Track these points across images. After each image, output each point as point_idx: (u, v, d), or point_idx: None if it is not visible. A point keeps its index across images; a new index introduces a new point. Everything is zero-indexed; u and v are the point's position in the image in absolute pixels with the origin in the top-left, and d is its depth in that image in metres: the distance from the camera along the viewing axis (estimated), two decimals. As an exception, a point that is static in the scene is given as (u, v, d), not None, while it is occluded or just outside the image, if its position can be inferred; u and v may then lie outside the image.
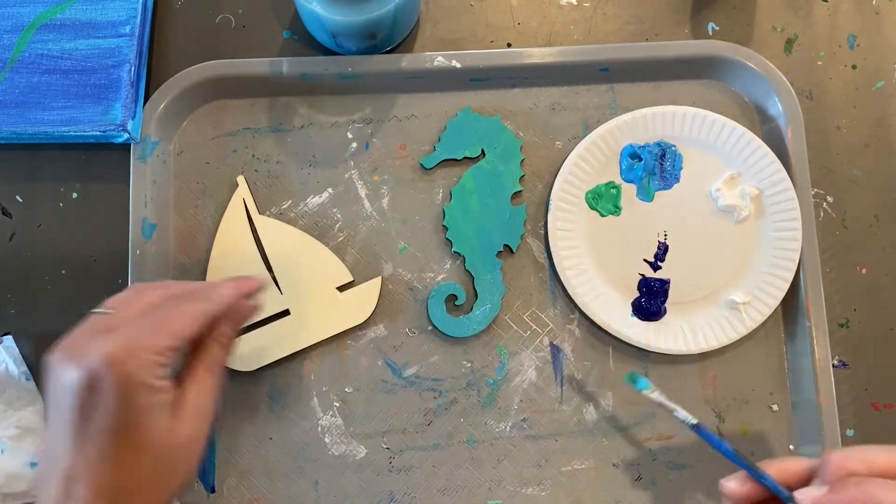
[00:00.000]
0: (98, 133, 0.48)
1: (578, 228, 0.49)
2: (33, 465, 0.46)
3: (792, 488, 0.34)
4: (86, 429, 0.32)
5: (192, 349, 0.37)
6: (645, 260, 0.49)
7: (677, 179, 0.50)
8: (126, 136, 0.48)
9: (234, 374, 0.47)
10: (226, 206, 0.49)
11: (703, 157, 0.50)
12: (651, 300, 0.48)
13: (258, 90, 0.51)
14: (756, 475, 0.35)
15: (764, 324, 0.48)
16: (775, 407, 0.49)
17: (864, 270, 0.50)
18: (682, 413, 0.42)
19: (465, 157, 0.50)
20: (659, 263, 0.49)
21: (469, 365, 0.48)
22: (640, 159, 0.50)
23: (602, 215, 0.50)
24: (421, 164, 0.50)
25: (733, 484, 0.36)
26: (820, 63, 0.53)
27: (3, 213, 0.50)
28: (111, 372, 0.32)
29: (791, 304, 0.49)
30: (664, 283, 0.49)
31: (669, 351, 0.48)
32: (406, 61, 0.50)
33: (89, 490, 0.32)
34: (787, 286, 0.48)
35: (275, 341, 0.47)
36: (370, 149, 0.51)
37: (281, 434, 0.47)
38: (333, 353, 0.48)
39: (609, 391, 0.48)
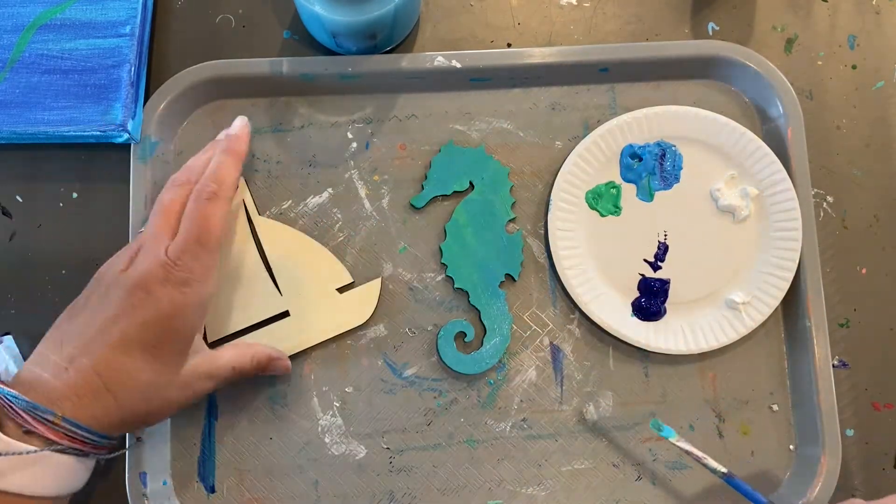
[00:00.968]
0: (98, 133, 0.48)
1: (578, 228, 0.49)
2: (33, 465, 0.46)
3: None
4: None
5: None
6: (645, 260, 0.49)
7: (677, 179, 0.50)
8: (126, 136, 0.48)
9: (234, 374, 0.47)
10: (226, 206, 0.50)
11: (703, 157, 0.50)
12: (651, 300, 0.48)
13: (258, 90, 0.51)
14: None
15: (764, 324, 0.48)
16: (775, 407, 0.49)
17: (864, 270, 0.50)
18: (711, 462, 0.43)
19: (455, 192, 0.50)
20: (659, 263, 0.49)
21: (469, 365, 0.48)
22: (640, 159, 0.50)
23: (602, 215, 0.50)
24: (411, 205, 0.50)
25: None
26: (820, 63, 0.53)
27: (3, 213, 0.50)
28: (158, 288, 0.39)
29: (791, 304, 0.49)
30: (664, 283, 0.49)
31: (669, 351, 0.48)
32: (406, 61, 0.50)
33: (90, 360, 0.37)
34: (787, 286, 0.48)
35: (274, 342, 0.47)
36: (370, 149, 0.51)
37: (281, 434, 0.47)
38: (333, 353, 0.48)
39: (609, 391, 0.48)
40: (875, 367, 0.49)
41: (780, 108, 0.50)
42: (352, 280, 0.48)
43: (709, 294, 0.49)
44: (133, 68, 0.49)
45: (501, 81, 0.51)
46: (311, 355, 0.48)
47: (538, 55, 0.50)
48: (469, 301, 0.48)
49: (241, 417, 0.47)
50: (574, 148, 0.49)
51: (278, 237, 0.48)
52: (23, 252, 0.49)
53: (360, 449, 0.47)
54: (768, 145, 0.49)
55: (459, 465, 0.47)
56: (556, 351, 0.49)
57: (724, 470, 0.43)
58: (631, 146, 0.50)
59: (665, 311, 0.49)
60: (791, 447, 0.48)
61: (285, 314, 0.47)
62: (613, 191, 0.50)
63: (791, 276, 0.48)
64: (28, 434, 0.35)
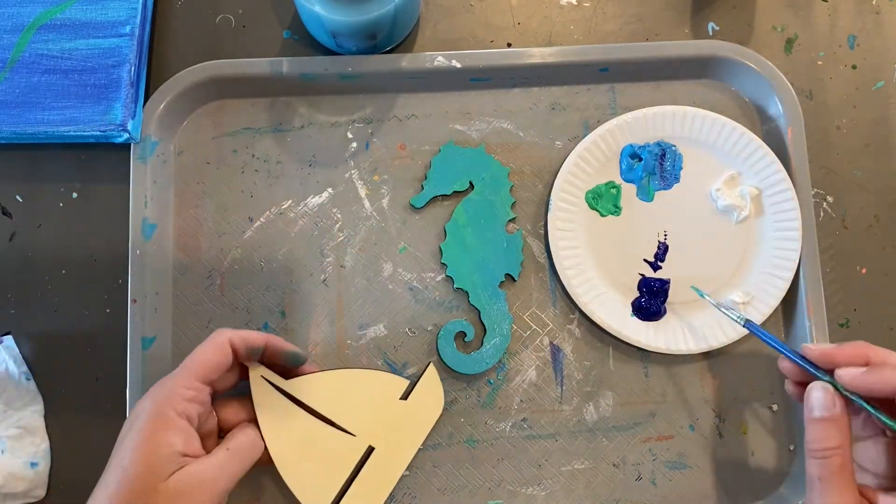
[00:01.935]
0: (98, 133, 0.48)
1: (578, 228, 0.49)
2: (33, 465, 0.46)
3: (829, 371, 0.38)
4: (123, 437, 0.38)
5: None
6: (645, 260, 0.49)
7: (677, 179, 0.50)
8: (126, 136, 0.48)
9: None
10: (226, 206, 0.50)
11: (703, 157, 0.50)
12: (651, 300, 0.48)
13: (258, 90, 0.51)
14: (801, 363, 0.39)
15: (764, 324, 0.48)
16: (775, 407, 0.49)
17: (864, 270, 0.50)
18: (732, 314, 0.44)
19: (455, 192, 0.49)
20: (659, 263, 0.49)
21: (469, 365, 0.48)
22: (640, 159, 0.50)
23: (602, 215, 0.50)
24: (411, 205, 0.50)
25: (786, 363, 0.40)
26: (820, 63, 0.53)
27: (3, 213, 0.50)
28: (147, 399, 0.39)
29: (791, 304, 0.49)
30: (664, 283, 0.49)
31: (669, 351, 0.48)
32: (406, 61, 0.50)
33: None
34: (786, 286, 0.48)
35: (377, 480, 0.45)
36: (370, 149, 0.51)
37: (281, 434, 0.47)
38: (334, 354, 0.48)
39: (609, 391, 0.48)
40: (875, 367, 0.49)
41: (780, 107, 0.50)
42: (407, 381, 0.46)
43: (709, 294, 0.49)
44: (133, 68, 0.49)
45: (501, 81, 0.51)
46: (312, 356, 0.48)
47: (538, 55, 0.50)
48: (469, 301, 0.48)
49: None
50: (574, 148, 0.49)
51: (315, 387, 0.44)
52: (23, 252, 0.49)
53: (360, 449, 0.47)
54: (768, 145, 0.49)
55: (459, 465, 0.47)
56: (556, 351, 0.49)
57: (745, 317, 0.44)
58: (631, 146, 0.50)
59: (665, 311, 0.49)
60: (791, 447, 0.48)
61: (370, 451, 0.45)
62: (613, 191, 0.50)
63: (791, 276, 0.48)
64: None
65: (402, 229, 0.50)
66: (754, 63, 0.50)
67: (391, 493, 0.46)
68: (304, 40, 0.52)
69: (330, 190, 0.50)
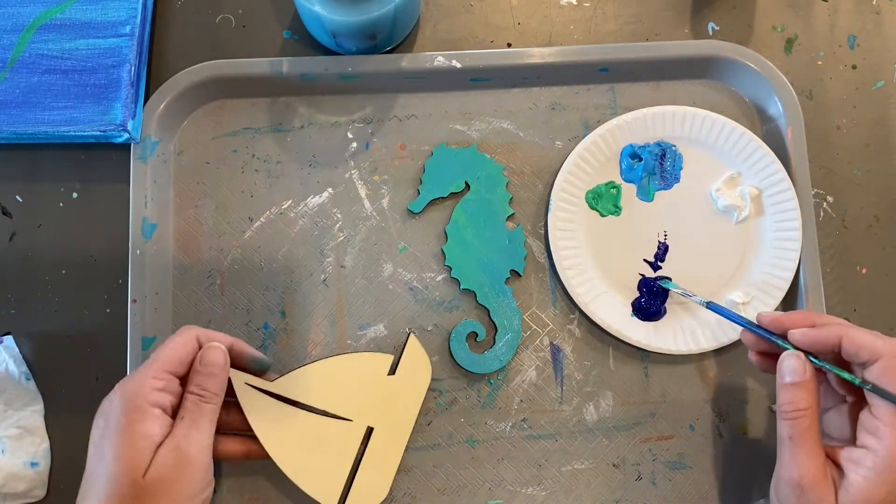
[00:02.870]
0: (98, 133, 0.48)
1: (578, 228, 0.49)
2: (34, 464, 0.46)
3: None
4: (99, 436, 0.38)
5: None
6: (645, 260, 0.49)
7: (677, 179, 0.50)
8: (126, 136, 0.48)
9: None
10: (226, 206, 0.50)
11: (703, 157, 0.50)
12: (651, 300, 0.48)
13: (258, 90, 0.51)
14: (757, 332, 0.42)
15: (764, 324, 0.48)
16: (775, 407, 0.48)
17: (864, 270, 0.50)
18: (696, 297, 0.46)
19: (451, 193, 0.50)
20: (659, 263, 0.49)
21: (469, 365, 0.48)
22: (641, 159, 0.50)
23: (602, 215, 0.50)
24: (409, 210, 0.50)
25: (747, 334, 0.43)
26: (820, 63, 0.53)
27: (3, 213, 0.50)
28: (116, 396, 0.39)
29: (791, 305, 0.49)
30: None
31: (669, 351, 0.48)
32: (406, 61, 0.50)
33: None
34: (787, 286, 0.48)
35: (385, 458, 0.45)
36: (370, 149, 0.51)
37: (281, 434, 0.47)
38: (334, 354, 0.48)
39: (609, 391, 0.48)
40: (875, 367, 0.49)
41: (780, 107, 0.50)
42: (391, 356, 0.46)
43: (709, 294, 0.49)
44: (133, 68, 0.49)
45: (501, 81, 0.51)
46: (312, 356, 0.48)
47: (538, 55, 0.50)
48: (477, 300, 0.48)
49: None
50: (574, 148, 0.49)
51: (301, 383, 0.44)
52: (23, 252, 0.49)
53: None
54: (768, 145, 0.49)
55: (459, 465, 0.47)
56: (556, 351, 0.49)
57: (705, 300, 0.46)
58: (631, 146, 0.50)
59: (665, 312, 0.49)
60: (791, 447, 0.48)
61: (370, 432, 0.45)
62: (613, 191, 0.50)
63: (791, 276, 0.48)
64: None
65: (402, 229, 0.50)
66: (754, 63, 0.50)
67: (390, 493, 0.46)
68: (304, 40, 0.52)
69: (330, 190, 0.50)
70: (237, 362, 0.43)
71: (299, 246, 0.49)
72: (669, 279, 0.48)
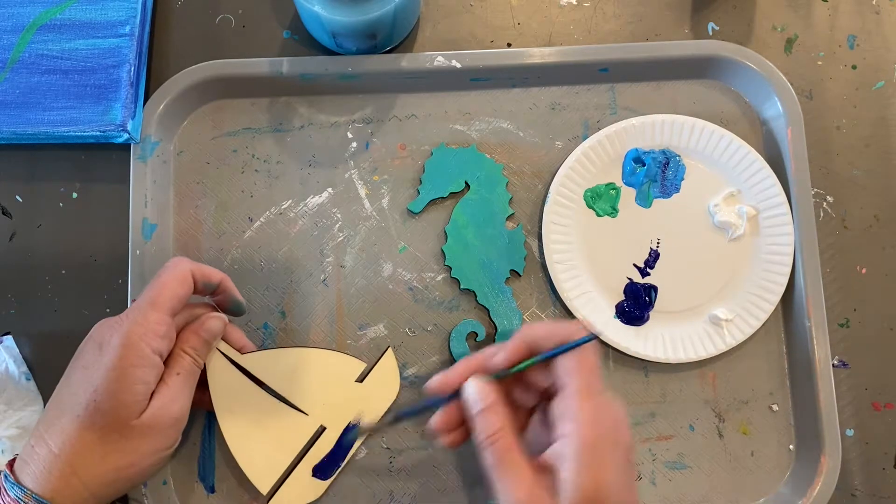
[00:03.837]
0: (98, 133, 0.48)
1: (573, 225, 0.49)
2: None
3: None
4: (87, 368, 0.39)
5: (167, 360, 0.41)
6: (635, 265, 0.49)
7: (677, 190, 0.50)
8: (126, 136, 0.48)
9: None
10: (226, 206, 0.50)
11: (706, 171, 0.50)
12: (635, 305, 0.48)
13: (258, 90, 0.51)
14: (432, 404, 0.40)
15: (764, 324, 0.48)
16: (775, 407, 0.48)
17: (864, 270, 0.50)
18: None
19: (451, 193, 0.50)
20: (648, 270, 0.49)
21: (469, 365, 0.48)
22: (644, 164, 0.50)
23: (598, 215, 0.50)
24: (409, 210, 0.50)
25: (437, 422, 0.39)
26: (820, 63, 0.53)
27: (3, 213, 0.50)
28: (116, 330, 0.39)
29: (791, 305, 0.49)
30: (650, 290, 0.49)
31: (647, 357, 0.47)
32: (406, 61, 0.50)
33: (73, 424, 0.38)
34: (771, 308, 0.48)
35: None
36: (370, 149, 0.51)
37: (281, 434, 0.47)
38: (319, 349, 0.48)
39: (609, 391, 0.48)
40: (875, 367, 0.49)
41: (780, 108, 0.50)
42: (364, 364, 0.47)
43: (693, 307, 0.49)
44: (133, 68, 0.49)
45: (501, 81, 0.51)
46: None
47: (538, 55, 0.50)
48: (477, 300, 0.48)
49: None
50: (576, 147, 0.49)
51: (271, 364, 0.45)
52: (23, 252, 0.49)
53: (361, 449, 0.47)
54: (768, 145, 0.49)
55: (459, 465, 0.47)
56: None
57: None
58: (636, 150, 0.50)
59: (648, 318, 0.48)
60: (791, 447, 0.48)
61: (322, 430, 0.45)
62: (613, 192, 0.50)
63: (777, 299, 0.48)
64: None
65: (402, 229, 0.50)
66: (754, 63, 0.50)
67: (390, 493, 0.46)
68: (304, 40, 0.52)
69: (330, 190, 0.50)
70: (221, 303, 0.45)
71: (299, 246, 0.49)
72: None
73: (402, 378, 0.48)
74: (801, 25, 0.53)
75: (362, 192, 0.50)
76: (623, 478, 0.35)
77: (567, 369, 0.36)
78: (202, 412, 0.47)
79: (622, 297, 0.49)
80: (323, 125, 0.51)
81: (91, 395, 0.38)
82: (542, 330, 0.38)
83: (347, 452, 0.46)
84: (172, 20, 0.52)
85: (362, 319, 0.49)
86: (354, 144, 0.51)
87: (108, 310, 0.49)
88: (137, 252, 0.48)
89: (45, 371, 0.48)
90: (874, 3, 0.54)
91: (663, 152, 0.50)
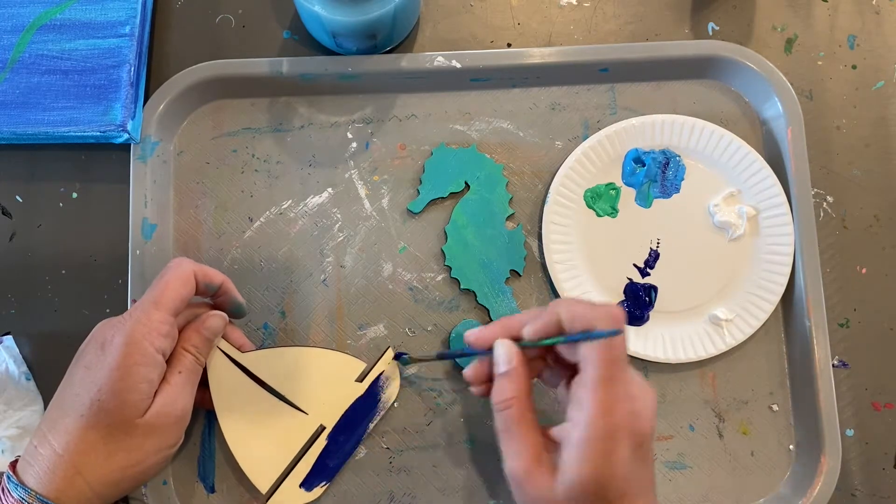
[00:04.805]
0: (98, 133, 0.48)
1: (573, 225, 0.49)
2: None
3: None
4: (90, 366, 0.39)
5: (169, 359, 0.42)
6: (635, 265, 0.49)
7: (677, 190, 0.50)
8: (126, 136, 0.48)
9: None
10: (226, 206, 0.50)
11: (706, 172, 0.50)
12: (635, 305, 0.48)
13: (258, 90, 0.51)
14: (470, 352, 0.41)
15: (764, 324, 0.48)
16: (775, 407, 0.49)
17: (864, 270, 0.50)
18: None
19: (451, 193, 0.50)
20: (648, 270, 0.49)
21: (469, 365, 0.48)
22: (644, 164, 0.50)
23: (598, 215, 0.50)
24: (409, 210, 0.50)
25: (468, 371, 0.41)
26: (820, 63, 0.53)
27: (3, 213, 0.50)
28: (119, 330, 0.39)
29: (791, 305, 0.49)
30: (650, 290, 0.49)
31: (647, 357, 0.47)
32: (406, 61, 0.50)
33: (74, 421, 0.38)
34: (771, 308, 0.48)
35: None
36: (370, 149, 0.51)
37: (281, 434, 0.47)
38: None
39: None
40: (875, 367, 0.49)
41: (780, 108, 0.50)
42: (364, 364, 0.47)
43: (693, 307, 0.49)
44: (133, 68, 0.49)
45: (501, 81, 0.51)
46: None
47: (538, 55, 0.50)
48: (477, 300, 0.48)
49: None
50: (576, 147, 0.49)
51: (271, 363, 0.45)
52: (23, 252, 0.49)
53: (360, 449, 0.47)
54: (768, 145, 0.49)
55: (459, 465, 0.47)
56: (555, 351, 0.49)
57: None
58: (636, 150, 0.50)
59: (648, 318, 0.48)
60: (791, 447, 0.48)
61: (321, 429, 0.45)
62: (613, 192, 0.50)
63: (777, 299, 0.48)
64: None
65: (402, 229, 0.50)
66: (754, 63, 0.50)
67: (390, 493, 0.46)
68: (304, 40, 0.52)
69: (330, 190, 0.50)
70: (222, 304, 0.45)
71: (299, 246, 0.49)
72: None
73: (402, 378, 0.48)
74: (801, 25, 0.53)
75: (362, 192, 0.50)
76: (632, 470, 0.35)
77: (587, 357, 0.36)
78: (202, 412, 0.47)
79: (622, 297, 0.49)
80: (323, 125, 0.51)
81: (95, 395, 0.38)
82: (575, 310, 0.37)
83: (348, 453, 0.46)
84: (172, 20, 0.52)
85: (362, 319, 0.49)
86: (354, 144, 0.51)
87: (108, 310, 0.49)
88: (137, 252, 0.48)
89: (45, 371, 0.48)
90: (874, 3, 0.54)
91: (663, 152, 0.50)
